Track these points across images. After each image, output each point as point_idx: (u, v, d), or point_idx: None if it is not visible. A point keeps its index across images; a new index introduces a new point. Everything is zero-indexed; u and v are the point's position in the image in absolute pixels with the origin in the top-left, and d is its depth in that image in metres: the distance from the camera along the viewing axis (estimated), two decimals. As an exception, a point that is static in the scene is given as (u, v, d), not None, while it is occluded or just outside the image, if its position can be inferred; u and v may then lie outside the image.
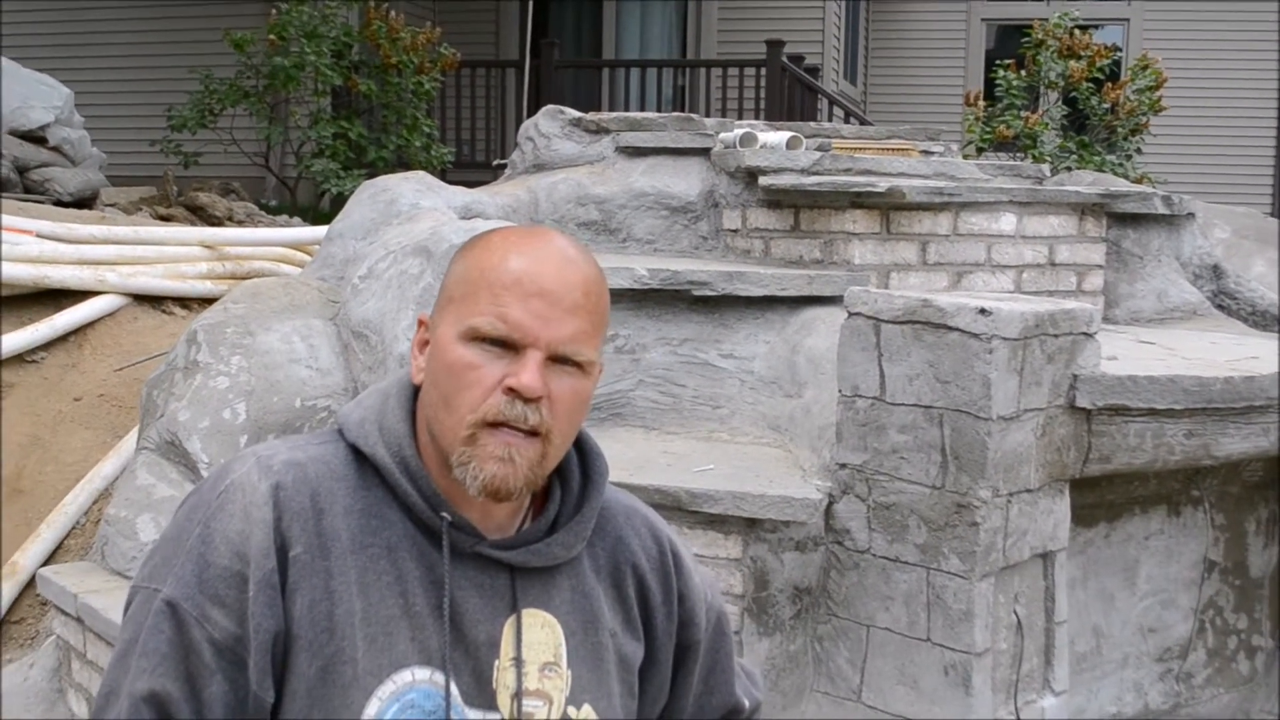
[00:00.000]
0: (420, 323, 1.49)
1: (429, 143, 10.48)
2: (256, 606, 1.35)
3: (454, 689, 1.41)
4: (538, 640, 1.47)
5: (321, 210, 10.01)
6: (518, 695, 1.45)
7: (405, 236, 4.36)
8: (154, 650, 1.35)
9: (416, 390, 1.49)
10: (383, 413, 1.47)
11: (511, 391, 1.38)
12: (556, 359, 1.40)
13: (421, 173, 5.19)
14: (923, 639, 3.52)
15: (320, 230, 6.17)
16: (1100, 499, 4.05)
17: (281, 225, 8.25)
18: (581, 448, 1.56)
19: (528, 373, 1.38)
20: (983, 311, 3.34)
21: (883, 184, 4.53)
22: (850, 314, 3.62)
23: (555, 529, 1.50)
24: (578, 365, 1.42)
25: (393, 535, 1.43)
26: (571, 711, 1.49)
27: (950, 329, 3.40)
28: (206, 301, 5.88)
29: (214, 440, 4.09)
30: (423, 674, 1.40)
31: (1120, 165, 10.32)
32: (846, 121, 11.21)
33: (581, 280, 1.43)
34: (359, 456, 1.45)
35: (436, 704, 1.40)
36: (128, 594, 1.43)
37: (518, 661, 1.45)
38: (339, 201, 8.35)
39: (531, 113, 5.73)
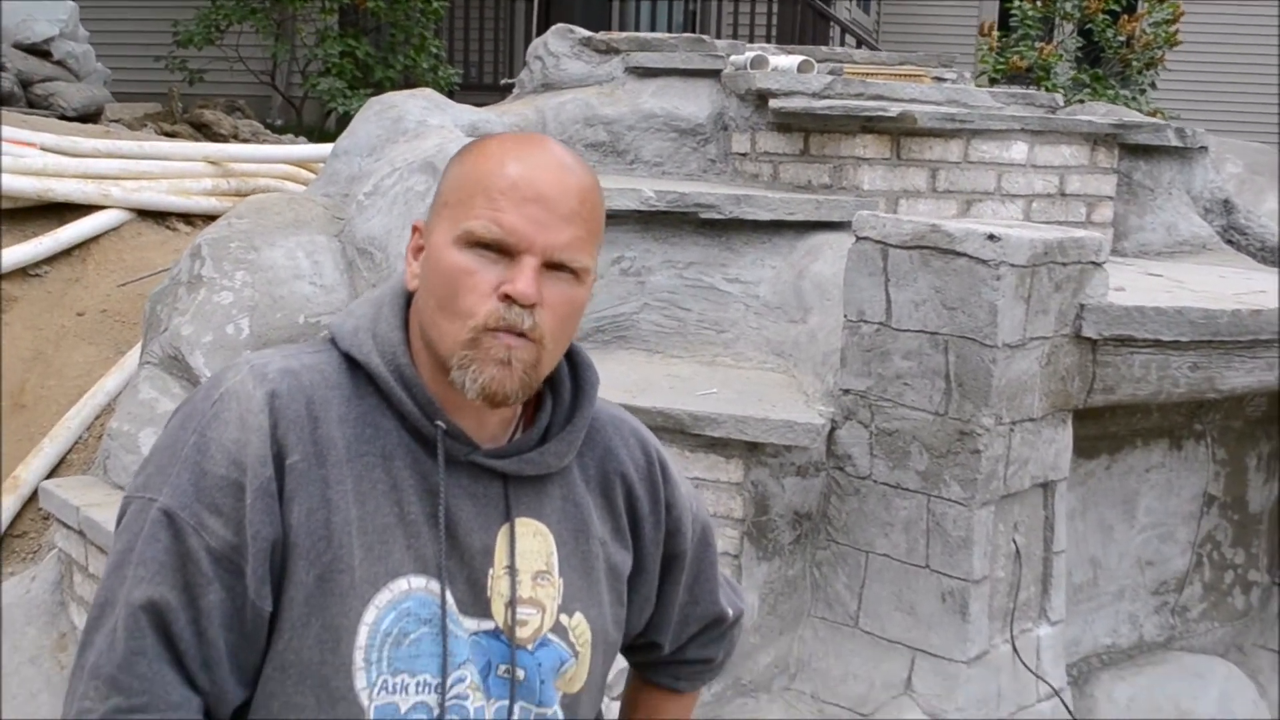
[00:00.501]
0: (415, 229, 1.47)
1: (436, 63, 10.38)
2: (254, 514, 1.34)
3: (449, 597, 1.42)
4: (530, 549, 1.48)
5: (327, 130, 9.94)
6: (511, 603, 1.46)
7: (412, 153, 4.32)
8: (151, 559, 1.34)
9: (409, 298, 1.48)
10: (375, 321, 1.46)
11: (507, 298, 1.37)
12: (552, 265, 1.39)
13: (429, 90, 5.14)
14: (921, 566, 3.53)
15: (325, 148, 6.13)
16: (1103, 430, 4.05)
17: (287, 144, 8.20)
18: (572, 359, 1.56)
19: (523, 279, 1.37)
20: (991, 237, 3.32)
21: (894, 109, 4.49)
22: (858, 238, 3.59)
23: (547, 439, 1.51)
24: (573, 272, 1.41)
25: (387, 444, 1.42)
26: (564, 619, 1.50)
27: (958, 255, 3.37)
28: (210, 218, 5.86)
29: (217, 355, 4.08)
30: (419, 582, 1.41)
31: (1134, 99, 10.22)
32: (847, 49, 11.09)
33: (578, 187, 1.41)
34: (352, 365, 1.44)
35: (432, 612, 1.41)
36: (121, 504, 1.42)
37: (511, 570, 1.46)
38: (345, 121, 8.28)
39: (540, 35, 5.67)
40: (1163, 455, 4.32)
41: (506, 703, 1.47)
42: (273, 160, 6.71)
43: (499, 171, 1.39)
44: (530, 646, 1.48)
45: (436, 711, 1.41)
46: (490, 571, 1.45)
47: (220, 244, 4.29)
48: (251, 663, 1.38)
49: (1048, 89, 9.74)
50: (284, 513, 1.36)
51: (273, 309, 4.14)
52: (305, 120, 10.46)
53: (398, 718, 1.39)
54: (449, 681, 1.41)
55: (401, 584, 1.40)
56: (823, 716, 3.60)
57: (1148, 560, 4.37)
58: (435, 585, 1.41)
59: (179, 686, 1.34)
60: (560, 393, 1.54)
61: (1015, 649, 3.60)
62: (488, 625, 1.45)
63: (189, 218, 6.23)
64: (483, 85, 11.46)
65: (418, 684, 1.40)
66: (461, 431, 1.44)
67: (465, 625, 1.43)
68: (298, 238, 4.31)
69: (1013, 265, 3.31)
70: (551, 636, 1.49)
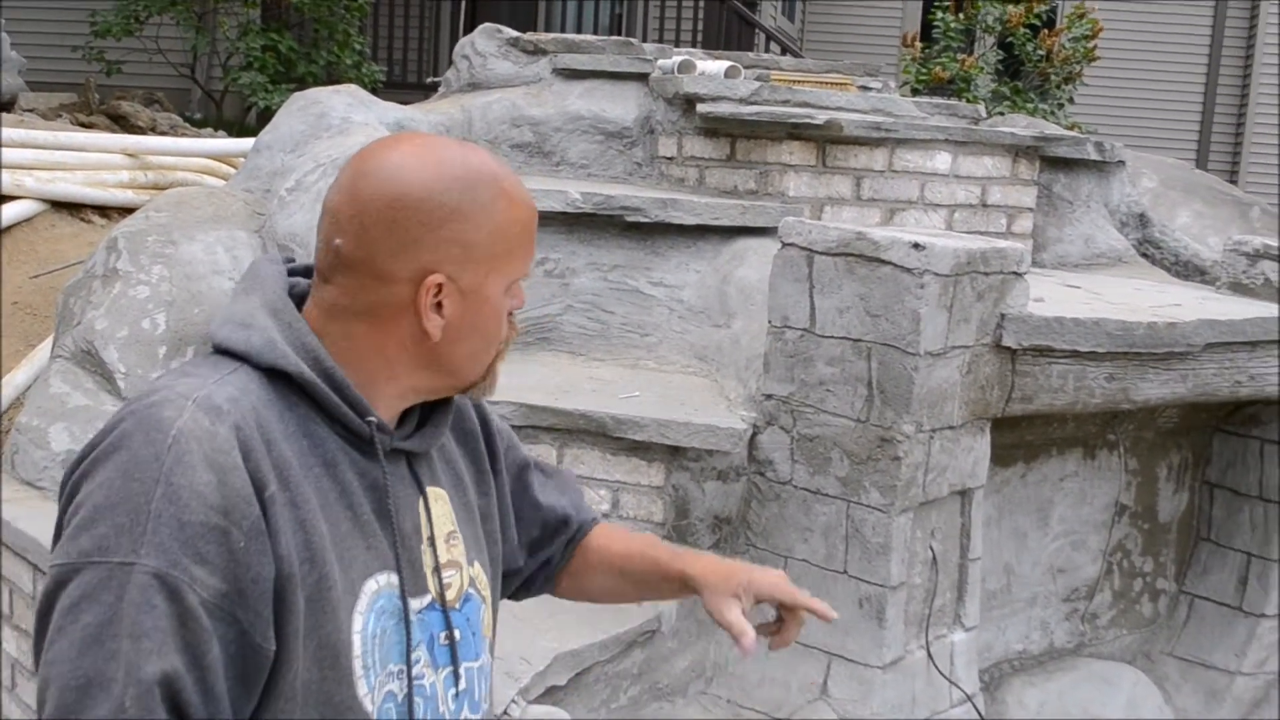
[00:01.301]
0: (435, 286, 1.42)
1: (360, 60, 10.28)
2: (251, 558, 1.30)
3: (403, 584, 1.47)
4: (440, 514, 1.54)
5: (247, 125, 9.81)
6: (437, 570, 1.52)
7: (336, 150, 4.28)
8: (153, 629, 1.25)
9: (293, 296, 1.48)
10: (287, 329, 1.43)
11: (513, 312, 1.53)
12: None
13: (353, 86, 5.09)
14: (839, 571, 3.55)
15: (246, 143, 6.05)
16: (1019, 439, 4.10)
17: (206, 138, 8.08)
18: None
19: (522, 290, 1.55)
20: (916, 246, 3.35)
21: (821, 116, 4.51)
22: (784, 244, 3.61)
23: (426, 416, 1.57)
24: None
25: (327, 451, 1.42)
26: (470, 572, 1.58)
27: (883, 262, 3.40)
28: (127, 211, 5.76)
29: (132, 350, 4.01)
30: (383, 579, 1.44)
31: (1052, 113, 10.36)
32: (775, 56, 11.14)
33: None
34: (272, 379, 1.41)
35: (395, 604, 1.45)
36: (58, 572, 1.29)
37: (431, 539, 1.51)
38: (265, 116, 8.17)
39: (467, 34, 5.64)
40: (1077, 464, 4.38)
41: (450, 668, 1.52)
42: (192, 154, 6.61)
43: (529, 215, 1.51)
44: (458, 605, 1.54)
45: (402, 696, 1.45)
46: (420, 548, 1.50)
47: (137, 237, 4.22)
48: (247, 705, 1.35)
49: (969, 100, 9.86)
50: (273, 546, 1.33)
51: (191, 304, 4.07)
52: (225, 114, 10.31)
53: (376, 714, 1.43)
54: (410, 663, 1.46)
55: (371, 585, 1.42)
56: (740, 721, 3.61)
57: (1060, 568, 4.43)
58: (394, 578, 1.45)
59: None
60: None
61: (930, 655, 3.64)
62: (426, 600, 1.49)
63: (105, 210, 6.12)
64: (406, 83, 11.36)
65: (388, 674, 1.44)
66: (384, 423, 1.46)
67: (413, 606, 1.47)
68: (217, 232, 4.25)
69: (937, 274, 3.34)
70: (470, 590, 1.57)
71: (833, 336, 3.52)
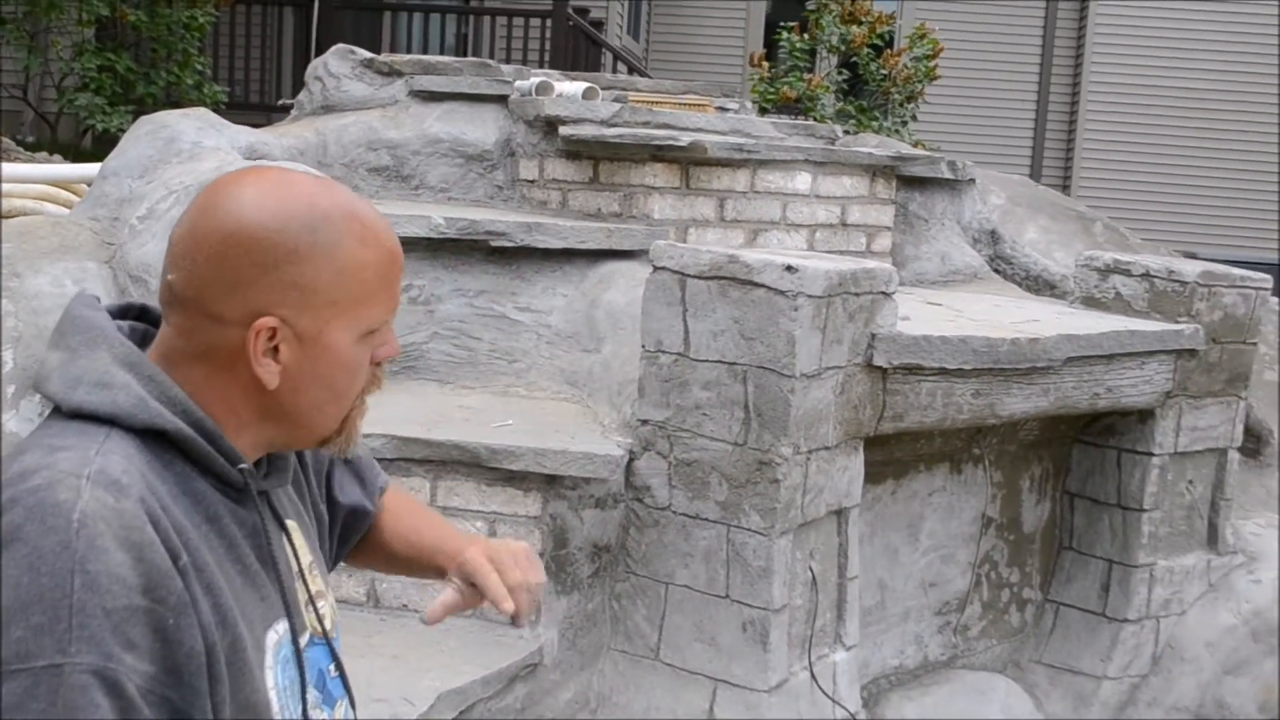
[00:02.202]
0: (269, 329, 1.35)
1: (200, 80, 10.02)
2: (182, 634, 1.24)
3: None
4: (300, 545, 1.52)
5: (84, 148, 9.47)
6: (311, 602, 1.49)
7: (188, 176, 4.14)
8: None
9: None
10: (152, 385, 1.35)
11: (381, 363, 1.45)
12: None
13: (203, 110, 4.93)
14: (721, 596, 3.54)
15: (90, 168, 5.82)
16: (889, 456, 4.14)
17: (43, 162, 7.77)
18: None
19: (394, 340, 1.45)
20: (789, 269, 3.35)
21: (685, 138, 4.51)
22: (656, 268, 3.59)
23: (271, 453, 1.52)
24: None
25: (208, 506, 1.36)
26: (328, 595, 1.57)
27: (757, 285, 3.40)
28: (-39, 241, 5.49)
29: (-26, 389, 3.81)
30: (280, 628, 1.40)
31: (895, 131, 10.56)
32: (630, 76, 11.16)
33: None
34: (144, 438, 1.33)
35: (291, 650, 1.42)
36: None
37: (301, 573, 1.49)
38: (103, 139, 7.90)
39: (316, 54, 5.51)
40: (944, 479, 4.44)
41: (345, 698, 1.52)
42: (30, 180, 6.34)
43: (387, 259, 1.41)
44: (334, 634, 1.53)
45: None
46: (295, 585, 1.46)
47: (-23, 270, 4.02)
48: None
49: (816, 119, 10.00)
50: (196, 616, 1.26)
51: (39, 340, 3.89)
52: (60, 138, 9.95)
53: None
54: (306, 707, 1.43)
55: (272, 637, 1.38)
56: (624, 751, 3.57)
57: (931, 581, 4.49)
58: (285, 624, 1.42)
59: None
60: None
61: (813, 675, 3.64)
62: (307, 636, 1.46)
63: (-64, 240, 5.83)
64: (249, 104, 11.12)
65: None
66: (252, 468, 1.41)
67: (301, 645, 1.44)
68: (65, 264, 4.07)
69: (810, 296, 3.35)
70: (336, 617, 1.57)
71: (708, 360, 3.51)
